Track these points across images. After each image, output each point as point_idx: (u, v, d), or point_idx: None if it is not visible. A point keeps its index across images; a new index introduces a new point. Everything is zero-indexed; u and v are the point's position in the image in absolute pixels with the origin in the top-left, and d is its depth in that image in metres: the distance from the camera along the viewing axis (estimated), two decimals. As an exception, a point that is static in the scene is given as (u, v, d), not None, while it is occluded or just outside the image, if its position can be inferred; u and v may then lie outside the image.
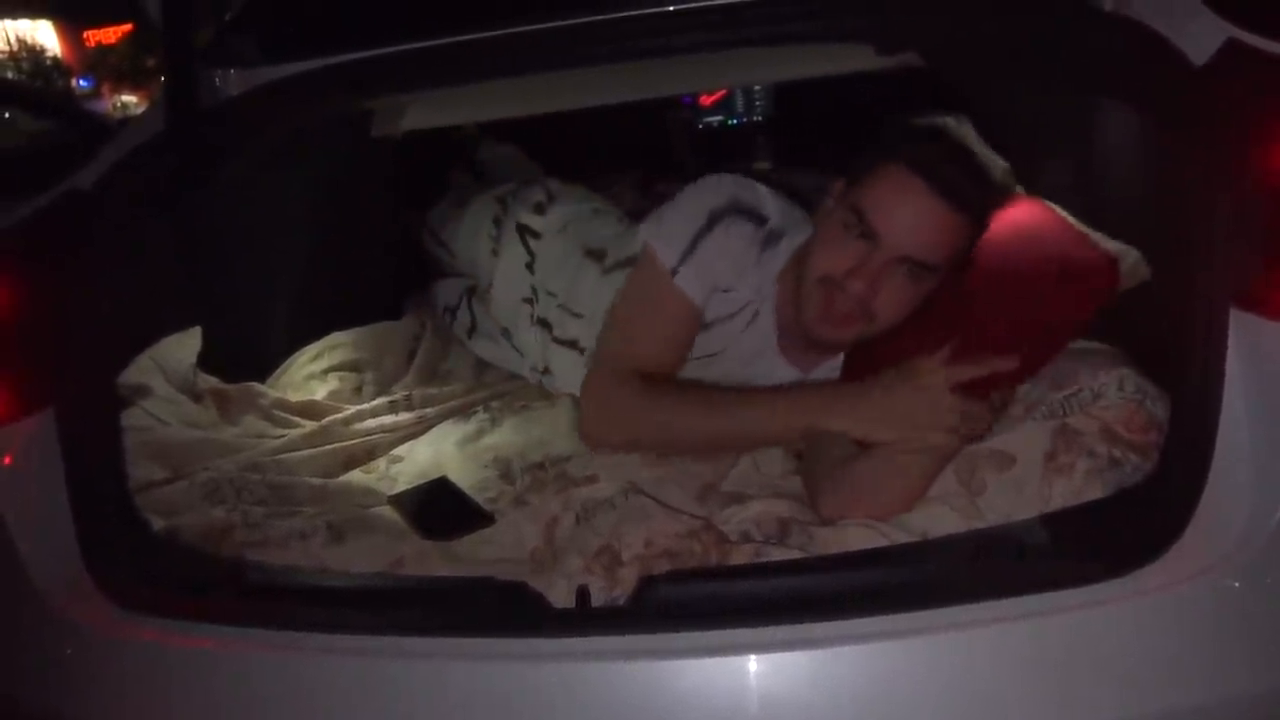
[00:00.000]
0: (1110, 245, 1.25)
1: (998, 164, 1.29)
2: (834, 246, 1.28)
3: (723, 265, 1.39)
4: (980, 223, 1.28)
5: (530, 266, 1.73)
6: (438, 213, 2.05)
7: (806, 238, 1.39)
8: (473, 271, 1.89)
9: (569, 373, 1.61)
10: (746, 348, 1.46)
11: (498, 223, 1.82)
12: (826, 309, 1.29)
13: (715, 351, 1.46)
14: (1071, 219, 1.32)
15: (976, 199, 1.26)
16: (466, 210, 1.92)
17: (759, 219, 1.41)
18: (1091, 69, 1.14)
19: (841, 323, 1.29)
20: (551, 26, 1.26)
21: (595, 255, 1.64)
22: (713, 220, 1.39)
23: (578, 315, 1.61)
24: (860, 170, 1.29)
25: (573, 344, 1.61)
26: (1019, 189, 1.42)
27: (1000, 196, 1.29)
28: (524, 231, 1.77)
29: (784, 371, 1.46)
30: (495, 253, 1.80)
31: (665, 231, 1.40)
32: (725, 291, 1.42)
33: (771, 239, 1.42)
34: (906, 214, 1.23)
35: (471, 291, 1.91)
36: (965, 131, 1.31)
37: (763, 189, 1.45)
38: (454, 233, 1.93)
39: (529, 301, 1.72)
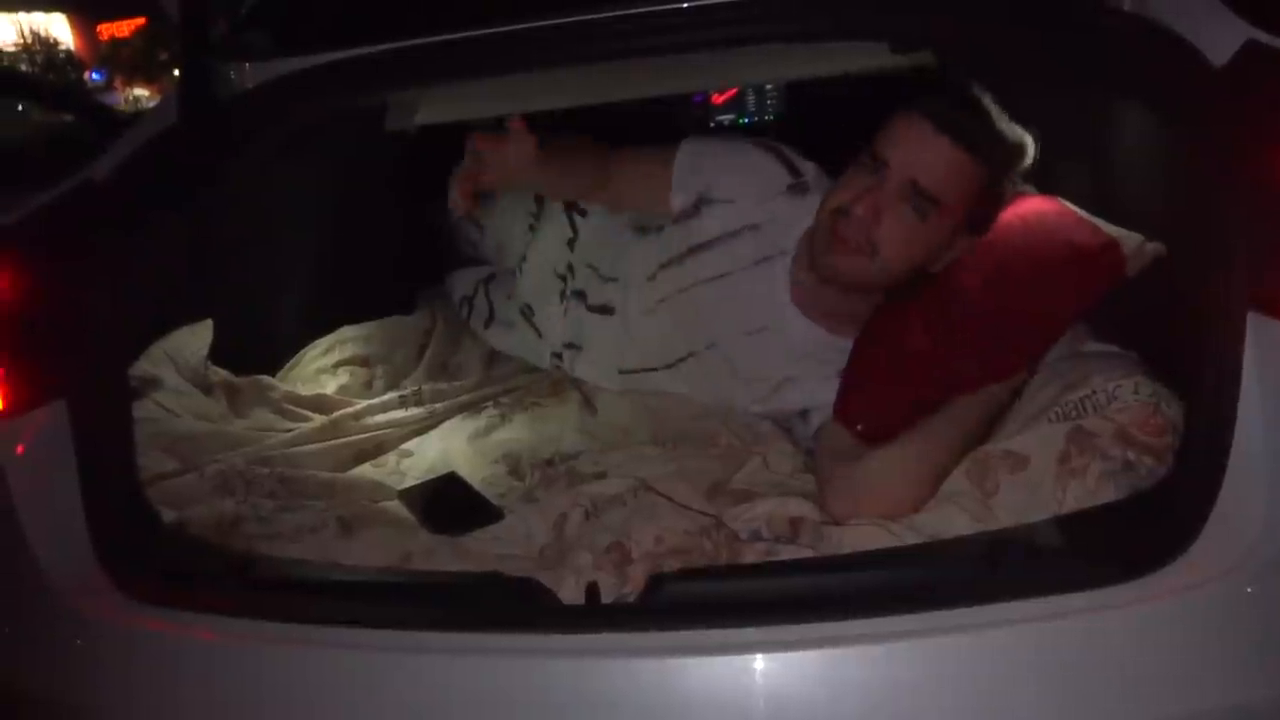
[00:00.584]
0: (1113, 230, 1.28)
1: (1016, 130, 1.33)
2: (847, 182, 1.34)
3: (724, 163, 1.54)
4: (987, 166, 1.30)
5: (571, 244, 1.76)
6: None
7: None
8: (500, 249, 1.90)
9: (599, 341, 1.64)
10: (756, 288, 1.49)
11: (540, 200, 1.84)
12: (832, 238, 1.33)
13: (722, 273, 1.51)
14: (1074, 208, 1.34)
15: (982, 140, 1.29)
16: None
17: (789, 165, 1.53)
18: (1109, 69, 1.14)
19: (846, 252, 1.33)
20: (567, 21, 1.26)
21: (642, 230, 1.67)
22: (750, 140, 1.57)
23: (612, 279, 1.65)
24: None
25: (604, 309, 1.64)
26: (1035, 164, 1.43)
27: (1010, 147, 1.33)
28: (571, 209, 1.79)
29: (801, 324, 1.48)
30: (532, 228, 1.82)
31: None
32: (727, 203, 1.52)
33: (801, 188, 1.52)
34: (911, 142, 1.30)
35: (489, 280, 1.92)
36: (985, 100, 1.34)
37: (817, 168, 1.56)
38: (488, 209, 1.94)
39: (562, 278, 1.74)
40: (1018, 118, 1.33)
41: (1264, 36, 0.99)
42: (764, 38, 1.25)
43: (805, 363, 1.45)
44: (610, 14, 1.25)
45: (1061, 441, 1.09)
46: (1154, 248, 1.25)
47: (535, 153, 1.49)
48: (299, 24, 1.44)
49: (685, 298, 1.53)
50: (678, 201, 1.58)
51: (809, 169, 1.54)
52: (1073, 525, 1.00)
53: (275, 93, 1.34)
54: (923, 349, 1.31)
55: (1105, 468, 1.05)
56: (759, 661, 0.90)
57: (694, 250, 1.54)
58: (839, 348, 1.43)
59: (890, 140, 1.31)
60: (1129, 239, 1.26)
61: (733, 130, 2.86)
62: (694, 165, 1.57)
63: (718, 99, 2.93)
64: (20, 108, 5.20)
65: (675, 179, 1.58)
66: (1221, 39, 1.01)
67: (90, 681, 1.07)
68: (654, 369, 1.57)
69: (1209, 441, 0.93)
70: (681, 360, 1.54)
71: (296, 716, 1.00)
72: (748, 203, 1.52)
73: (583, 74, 1.53)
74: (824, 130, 1.78)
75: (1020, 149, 1.33)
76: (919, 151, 1.29)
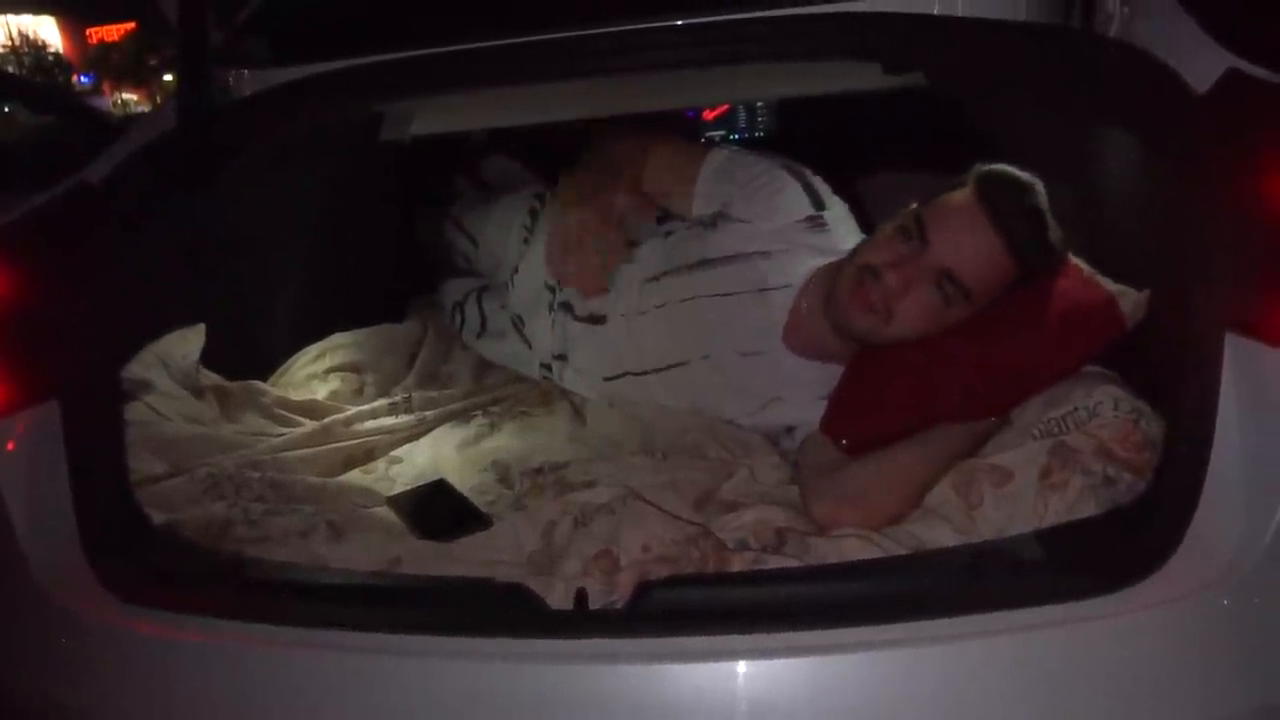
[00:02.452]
0: (1113, 287, 1.28)
1: (1060, 236, 1.33)
2: (885, 243, 1.35)
3: (748, 181, 1.54)
4: (1023, 275, 1.31)
5: None
6: (464, 204, 2.07)
7: (857, 244, 1.45)
8: (493, 262, 1.92)
9: (588, 352, 1.65)
10: (756, 315, 1.50)
11: (534, 214, 1.85)
12: (856, 292, 1.34)
13: (727, 293, 1.52)
14: (1078, 261, 1.35)
15: (1032, 249, 1.29)
16: (499, 202, 1.96)
17: (812, 194, 1.53)
18: (1094, 95, 1.16)
19: (864, 309, 1.33)
20: (561, 37, 1.28)
21: (634, 245, 1.68)
22: (777, 162, 1.56)
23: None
24: (938, 192, 1.35)
25: (593, 318, 1.65)
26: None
27: (1054, 258, 1.32)
28: None
29: (791, 360, 1.49)
30: (526, 240, 1.84)
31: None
32: (744, 223, 1.53)
33: (819, 224, 1.52)
34: (963, 233, 1.29)
35: (482, 290, 1.93)
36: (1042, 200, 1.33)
37: (839, 200, 1.57)
38: (482, 222, 1.96)
39: (551, 289, 1.74)
40: (1003, 141, 1.35)
41: (1245, 65, 1.02)
42: (756, 56, 1.28)
43: (794, 387, 1.48)
44: (604, 30, 1.27)
45: (1044, 456, 1.11)
46: (1146, 296, 1.25)
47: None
48: (296, 33, 1.45)
49: (686, 307, 1.54)
50: (699, 207, 1.60)
51: (834, 203, 1.55)
52: (1054, 538, 1.02)
53: (272, 101, 1.35)
54: (913, 383, 1.32)
55: (1086, 482, 1.07)
56: (744, 668, 0.92)
57: (705, 263, 1.55)
58: (829, 374, 1.45)
59: (942, 219, 1.31)
60: (1126, 296, 1.26)
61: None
62: (720, 177, 1.58)
63: (709, 115, 2.96)
64: (7, 109, 5.18)
65: (700, 187, 1.60)
66: (1204, 67, 1.03)
67: (78, 681, 1.07)
68: (644, 373, 1.58)
69: (1187, 457, 0.96)
70: (673, 367, 1.55)
71: (285, 719, 1.00)
72: (764, 226, 1.53)
73: (576, 88, 1.55)
74: (814, 148, 1.80)
75: (1060, 258, 1.33)
76: (967, 244, 1.29)
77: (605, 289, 1.60)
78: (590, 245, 1.60)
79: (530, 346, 1.77)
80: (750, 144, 2.89)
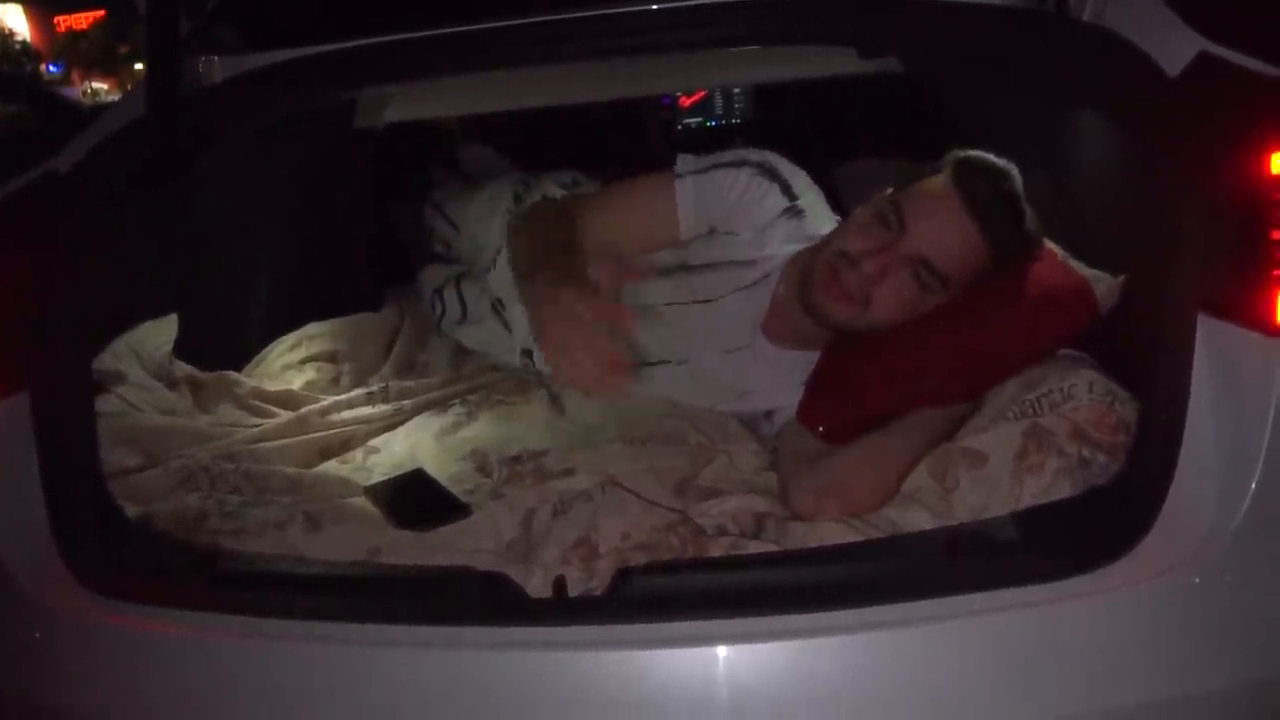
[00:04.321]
0: (1087, 272, 1.28)
1: (1036, 224, 1.33)
2: (861, 229, 1.34)
3: (730, 201, 1.48)
4: (998, 260, 1.31)
5: None
6: (445, 191, 2.05)
7: (832, 228, 1.44)
8: (475, 247, 1.89)
9: None
10: (742, 311, 1.49)
11: (518, 199, 1.82)
12: (831, 280, 1.33)
13: (712, 297, 1.51)
14: (1053, 246, 1.35)
15: (1008, 236, 1.30)
16: (483, 187, 1.92)
17: (787, 190, 1.49)
18: (1067, 78, 1.17)
19: (840, 298, 1.32)
20: (536, 21, 1.26)
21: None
22: (739, 162, 1.49)
23: None
24: (914, 178, 1.34)
25: None
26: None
27: (1028, 245, 1.33)
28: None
29: (770, 350, 1.49)
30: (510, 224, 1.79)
31: (691, 157, 1.51)
32: (729, 234, 1.50)
33: (795, 212, 1.49)
34: (939, 219, 1.29)
35: (461, 277, 1.92)
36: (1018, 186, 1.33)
37: (806, 177, 1.53)
38: (464, 208, 1.92)
39: None
40: (977, 124, 1.35)
41: (1216, 48, 1.02)
42: (732, 40, 1.27)
43: (773, 376, 1.48)
44: (581, 14, 1.26)
45: (1019, 439, 1.12)
46: (1122, 281, 1.26)
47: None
48: (267, 19, 1.43)
49: (668, 311, 1.53)
50: (689, 232, 1.54)
51: (802, 187, 1.52)
52: (1029, 520, 1.03)
53: (243, 87, 1.33)
54: (889, 368, 1.33)
55: (1061, 464, 1.08)
56: (725, 653, 0.92)
57: (689, 269, 1.53)
58: (806, 360, 1.45)
59: (918, 205, 1.30)
60: (1100, 281, 1.26)
61: (707, 138, 2.87)
62: (699, 200, 1.51)
63: (685, 101, 2.95)
64: (-27, 99, 5.11)
65: (683, 215, 1.52)
66: (1176, 50, 1.04)
67: (52, 675, 1.06)
68: None
69: (1161, 439, 0.97)
70: (649, 365, 1.55)
71: (263, 710, 1.00)
72: (749, 234, 1.51)
73: (552, 74, 1.54)
74: (791, 133, 1.80)
75: (1035, 243, 1.33)
76: (943, 231, 1.29)
77: (628, 379, 1.39)
78: (592, 339, 1.29)
79: (510, 331, 1.76)
80: (727, 131, 2.90)
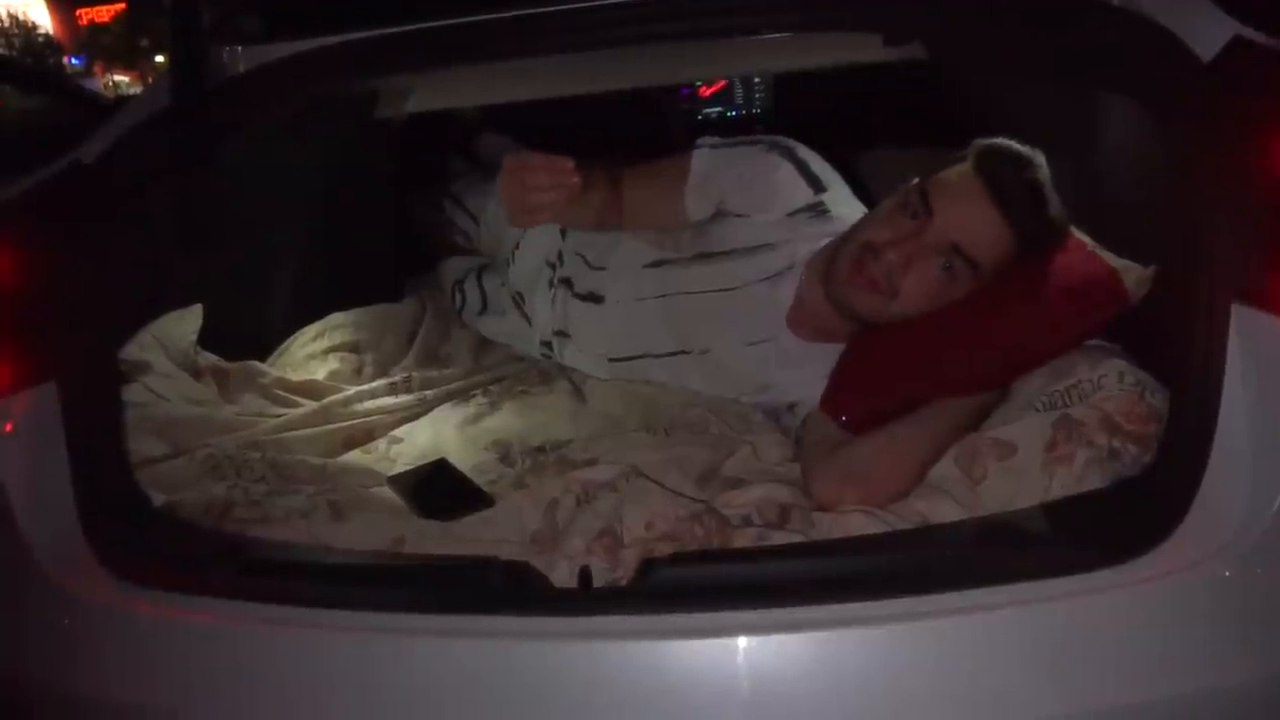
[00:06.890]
0: (1117, 262, 1.27)
1: (1062, 213, 1.32)
2: (886, 219, 1.33)
3: (746, 180, 1.50)
4: (1027, 246, 1.30)
5: (564, 231, 1.74)
6: (464, 183, 2.05)
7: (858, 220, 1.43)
8: (494, 239, 1.90)
9: (587, 329, 1.64)
10: (764, 302, 1.48)
11: None
12: (857, 270, 1.32)
13: (732, 286, 1.50)
14: (1083, 236, 1.34)
15: (1033, 223, 1.28)
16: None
17: (815, 182, 1.50)
18: (1097, 63, 1.15)
19: (866, 287, 1.32)
20: (560, 9, 1.26)
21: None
22: (766, 145, 1.51)
23: (600, 268, 1.64)
24: (937, 166, 1.33)
25: (592, 296, 1.63)
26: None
27: (1055, 233, 1.31)
28: None
29: (795, 343, 1.48)
30: None
31: (717, 137, 1.55)
32: (743, 217, 1.50)
33: (820, 211, 1.49)
34: (965, 204, 1.28)
35: (482, 269, 1.92)
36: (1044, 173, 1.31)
37: (830, 167, 1.53)
38: (484, 200, 1.93)
39: (552, 265, 1.73)
40: (1005, 112, 1.34)
41: (1250, 32, 1.01)
42: (756, 28, 1.26)
43: (797, 369, 1.47)
44: (602, 3, 1.25)
45: (1048, 430, 1.11)
46: (1152, 271, 1.24)
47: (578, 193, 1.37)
48: (290, 9, 1.43)
49: (688, 300, 1.53)
50: (695, 213, 1.57)
51: (830, 179, 1.52)
52: (1059, 511, 1.02)
53: (267, 77, 1.33)
54: (913, 357, 1.32)
55: (1091, 455, 1.07)
56: (749, 644, 0.91)
57: (704, 256, 1.54)
58: (831, 353, 1.44)
59: (943, 193, 1.29)
60: (1130, 271, 1.25)
61: (727, 129, 2.86)
62: (711, 177, 1.54)
63: (705, 92, 2.93)
64: (-4, 90, 5.14)
65: (691, 190, 1.55)
66: (1209, 35, 1.02)
67: (78, 662, 1.07)
68: (643, 356, 1.58)
69: (1192, 430, 0.95)
70: (671, 355, 1.54)
71: (288, 698, 1.00)
72: (765, 218, 1.51)
73: (573, 63, 1.53)
74: (812, 124, 1.79)
75: (1062, 232, 1.32)
76: (969, 217, 1.28)
77: (532, 223, 1.45)
78: (544, 175, 1.35)
79: (531, 323, 1.76)
80: (747, 121, 2.88)
